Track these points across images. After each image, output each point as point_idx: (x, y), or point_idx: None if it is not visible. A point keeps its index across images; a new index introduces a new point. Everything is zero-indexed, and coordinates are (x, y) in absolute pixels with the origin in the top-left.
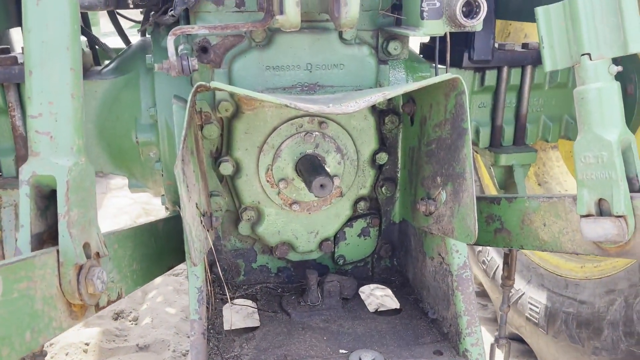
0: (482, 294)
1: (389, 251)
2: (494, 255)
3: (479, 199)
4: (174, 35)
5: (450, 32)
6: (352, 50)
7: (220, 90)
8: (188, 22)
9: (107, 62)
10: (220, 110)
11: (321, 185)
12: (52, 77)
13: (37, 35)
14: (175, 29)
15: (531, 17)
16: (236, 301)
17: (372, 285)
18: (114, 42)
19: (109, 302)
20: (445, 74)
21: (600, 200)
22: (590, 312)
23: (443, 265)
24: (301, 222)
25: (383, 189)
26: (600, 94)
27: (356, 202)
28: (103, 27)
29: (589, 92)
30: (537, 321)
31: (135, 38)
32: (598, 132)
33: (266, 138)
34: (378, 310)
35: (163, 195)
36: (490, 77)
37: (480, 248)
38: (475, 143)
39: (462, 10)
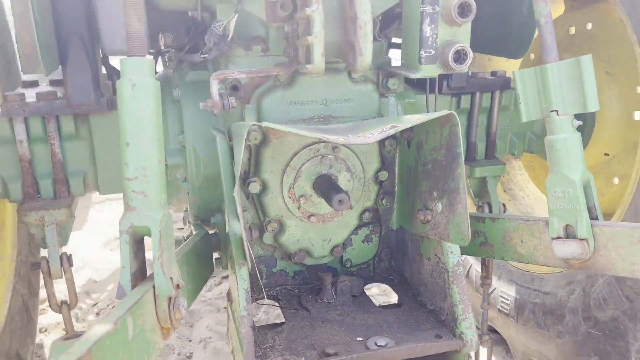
0: None
1: (388, 254)
2: (466, 256)
3: None
4: (218, 79)
5: None
6: (359, 87)
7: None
8: (213, 63)
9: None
10: (251, 139)
11: (340, 201)
12: (143, 147)
13: (131, 114)
14: (218, 74)
15: (498, 51)
16: (260, 301)
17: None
18: None
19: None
20: (443, 111)
21: (567, 226)
22: (553, 301)
23: (439, 264)
24: (317, 231)
25: (383, 201)
26: (566, 143)
27: (362, 213)
28: None
29: (557, 142)
30: (507, 312)
31: None
32: (565, 172)
33: (289, 161)
34: (381, 304)
35: (186, 210)
36: (465, 100)
37: None
38: None
39: (453, 58)
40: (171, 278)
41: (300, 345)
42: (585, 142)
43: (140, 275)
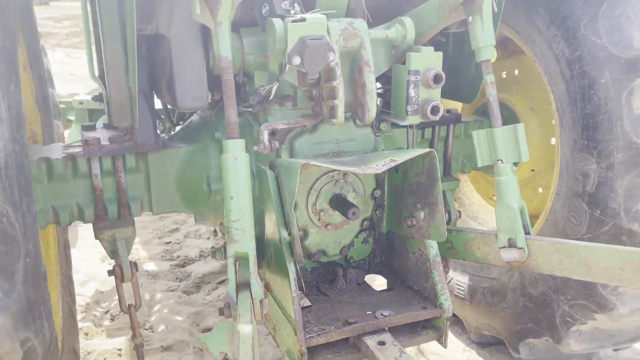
0: None
1: (380, 252)
2: None
3: None
4: (267, 130)
5: None
6: (361, 130)
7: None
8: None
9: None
10: None
11: (353, 213)
12: (241, 199)
13: (233, 177)
14: (266, 125)
15: (454, 97)
16: None
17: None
18: None
19: None
20: (425, 149)
21: (509, 238)
22: (498, 284)
23: (422, 256)
24: (331, 236)
25: (377, 212)
26: (508, 183)
27: (362, 221)
28: None
29: (502, 182)
30: (463, 296)
31: None
32: (507, 202)
33: (312, 185)
34: (379, 290)
35: (221, 223)
36: (428, 132)
37: None
38: None
39: (430, 111)
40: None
41: (327, 319)
42: None
43: (240, 285)
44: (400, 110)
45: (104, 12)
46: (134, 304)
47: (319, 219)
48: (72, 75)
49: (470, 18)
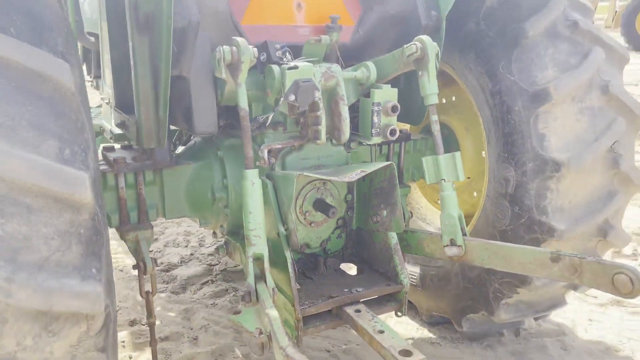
0: None
1: (351, 244)
2: None
3: None
4: (267, 149)
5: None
6: (336, 148)
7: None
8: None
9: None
10: None
11: (333, 212)
12: (257, 213)
13: (252, 197)
14: (266, 145)
15: (404, 120)
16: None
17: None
18: None
19: None
20: (386, 162)
21: (451, 239)
22: (444, 271)
23: (386, 244)
24: (314, 232)
25: (348, 212)
26: (449, 197)
27: (337, 220)
28: None
29: (445, 196)
30: (415, 283)
31: None
32: (449, 212)
33: (300, 191)
34: (351, 274)
35: (221, 226)
36: (385, 148)
37: None
38: None
39: (389, 133)
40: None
41: (314, 295)
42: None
43: (257, 277)
44: (367, 133)
45: (139, 58)
46: (150, 291)
47: (305, 218)
48: None
49: (419, 72)
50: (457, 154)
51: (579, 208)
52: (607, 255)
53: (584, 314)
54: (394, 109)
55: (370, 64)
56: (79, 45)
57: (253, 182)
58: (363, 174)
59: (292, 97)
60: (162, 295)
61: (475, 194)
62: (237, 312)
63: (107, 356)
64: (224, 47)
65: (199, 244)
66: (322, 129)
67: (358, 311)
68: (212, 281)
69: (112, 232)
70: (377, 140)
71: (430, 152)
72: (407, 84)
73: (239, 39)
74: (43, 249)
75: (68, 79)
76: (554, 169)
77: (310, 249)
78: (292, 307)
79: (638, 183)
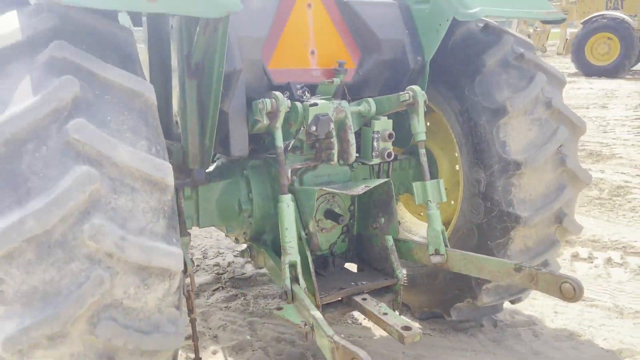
0: None
1: (353, 247)
2: None
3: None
4: (291, 169)
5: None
6: (343, 168)
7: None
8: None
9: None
10: None
11: (342, 219)
12: (291, 229)
13: (288, 218)
14: (290, 165)
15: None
16: None
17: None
18: None
19: None
20: (385, 179)
21: (435, 249)
22: (431, 269)
23: (383, 246)
24: (324, 237)
25: (351, 220)
26: (434, 216)
27: (342, 227)
28: None
29: (430, 214)
30: (406, 284)
31: None
32: (433, 227)
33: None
34: (354, 271)
35: (245, 232)
36: (376, 167)
37: None
38: None
39: (387, 155)
40: None
41: (328, 288)
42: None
43: (292, 280)
44: (368, 155)
45: (188, 97)
46: (191, 289)
47: (317, 225)
48: None
49: (410, 115)
50: (441, 181)
51: (538, 199)
52: (567, 260)
53: (549, 307)
54: (390, 136)
55: (370, 100)
56: None
57: (288, 205)
58: (367, 188)
59: (313, 128)
60: None
61: (452, 202)
62: (279, 309)
63: (180, 313)
64: (266, 99)
65: (203, 256)
66: (335, 152)
67: (364, 299)
68: (222, 287)
69: None
70: (376, 161)
71: (412, 171)
72: (396, 116)
73: (277, 93)
74: (141, 220)
75: (153, 96)
76: (515, 168)
77: (321, 252)
78: (313, 297)
79: (582, 178)
